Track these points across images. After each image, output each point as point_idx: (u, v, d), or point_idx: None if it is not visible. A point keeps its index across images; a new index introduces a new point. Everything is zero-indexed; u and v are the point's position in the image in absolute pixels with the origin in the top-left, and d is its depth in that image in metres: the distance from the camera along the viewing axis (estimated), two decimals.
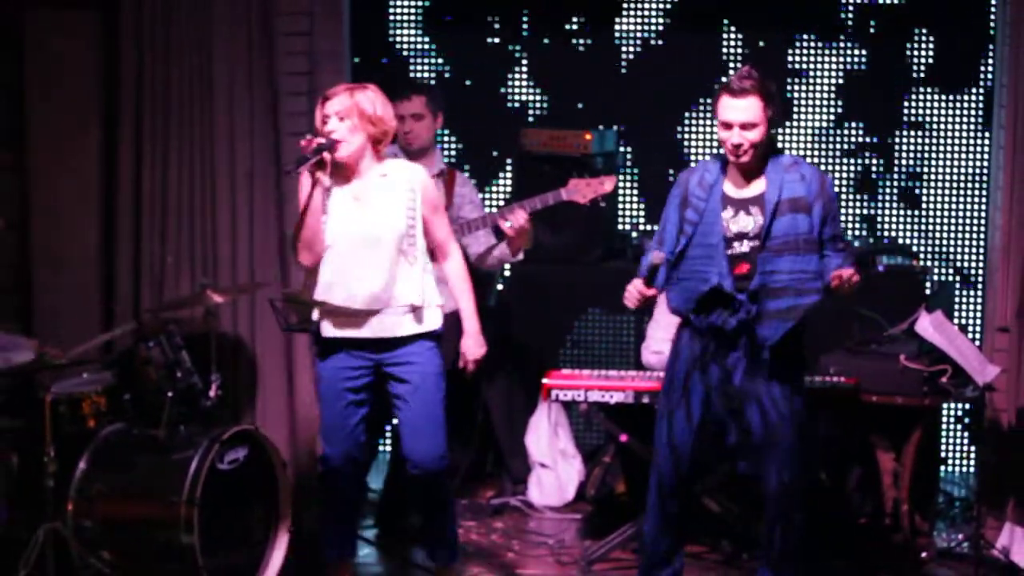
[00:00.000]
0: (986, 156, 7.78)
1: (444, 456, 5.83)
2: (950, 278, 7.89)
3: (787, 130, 8.06)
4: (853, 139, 8.08)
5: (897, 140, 8.07)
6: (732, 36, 8.06)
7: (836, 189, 7.93)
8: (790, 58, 8.05)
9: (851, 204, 8.10)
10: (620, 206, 8.18)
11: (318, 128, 5.74)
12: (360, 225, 5.73)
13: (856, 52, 8.04)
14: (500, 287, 8.16)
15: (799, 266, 5.63)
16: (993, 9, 7.76)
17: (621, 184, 8.16)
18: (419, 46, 8.24)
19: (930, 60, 7.99)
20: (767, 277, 5.63)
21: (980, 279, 7.83)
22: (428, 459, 5.80)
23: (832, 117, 8.08)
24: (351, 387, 5.82)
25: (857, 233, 8.06)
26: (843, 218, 8.01)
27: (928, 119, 8.03)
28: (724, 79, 5.80)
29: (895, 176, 8.07)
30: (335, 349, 5.82)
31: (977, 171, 7.98)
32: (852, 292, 5.59)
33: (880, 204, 8.09)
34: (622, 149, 8.12)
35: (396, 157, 6.09)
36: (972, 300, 7.95)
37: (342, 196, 5.77)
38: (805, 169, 5.70)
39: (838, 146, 8.09)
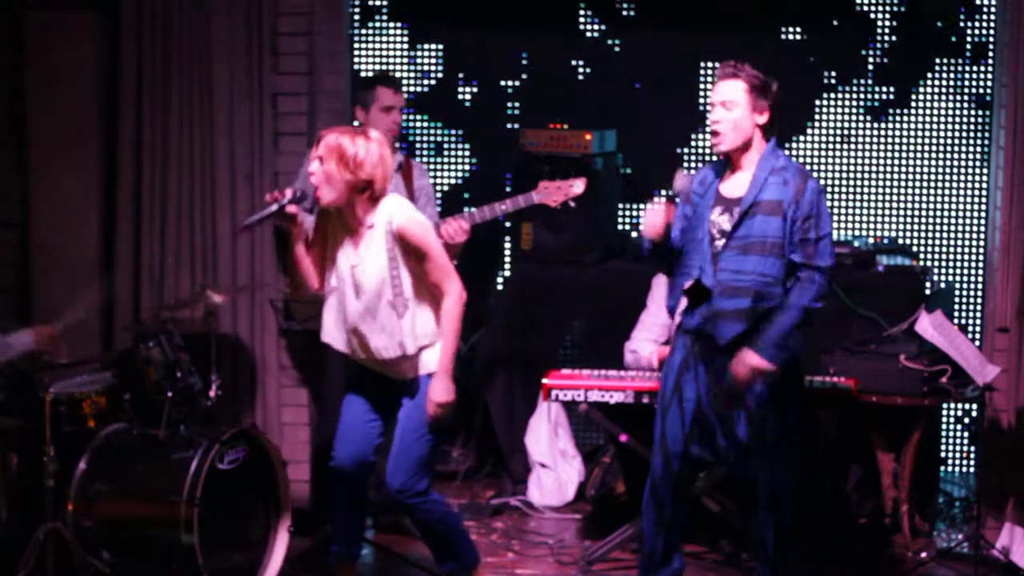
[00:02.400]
0: (986, 156, 7.77)
1: (405, 489, 5.71)
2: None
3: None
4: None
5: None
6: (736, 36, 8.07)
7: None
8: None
9: (851, 200, 8.12)
10: (620, 206, 8.18)
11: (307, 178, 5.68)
12: (352, 275, 5.65)
13: None
14: (500, 287, 8.15)
15: (761, 268, 5.65)
16: (993, 9, 7.77)
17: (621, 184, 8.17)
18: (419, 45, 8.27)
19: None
20: (728, 275, 5.66)
21: (980, 279, 7.83)
22: (392, 484, 5.76)
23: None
24: (372, 393, 5.81)
25: (857, 233, 8.06)
26: (840, 214, 8.04)
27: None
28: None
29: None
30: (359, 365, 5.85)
31: (977, 171, 7.99)
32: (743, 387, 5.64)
33: (880, 200, 8.09)
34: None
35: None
36: (972, 300, 7.95)
37: (347, 242, 5.69)
38: (791, 173, 5.70)
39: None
